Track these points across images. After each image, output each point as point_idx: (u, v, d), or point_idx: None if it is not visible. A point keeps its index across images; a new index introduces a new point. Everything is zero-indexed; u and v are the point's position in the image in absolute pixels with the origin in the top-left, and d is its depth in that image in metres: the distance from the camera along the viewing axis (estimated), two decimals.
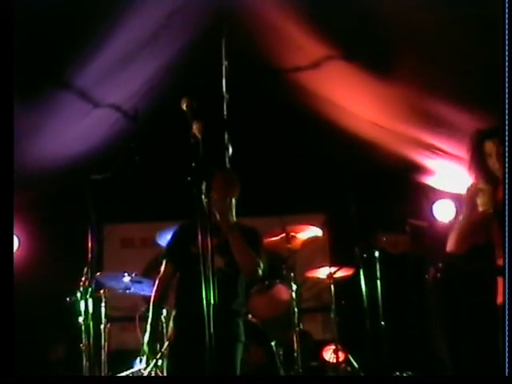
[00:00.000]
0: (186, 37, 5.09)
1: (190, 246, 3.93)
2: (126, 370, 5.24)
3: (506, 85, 3.03)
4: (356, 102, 5.74)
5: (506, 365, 2.99)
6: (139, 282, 5.47)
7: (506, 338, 3.02)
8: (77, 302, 5.64)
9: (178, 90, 3.40)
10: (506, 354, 3.00)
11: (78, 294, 5.61)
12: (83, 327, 5.35)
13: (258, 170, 6.86)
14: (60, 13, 4.24)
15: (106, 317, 5.48)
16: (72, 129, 5.82)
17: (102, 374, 5.13)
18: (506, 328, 3.02)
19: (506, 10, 2.94)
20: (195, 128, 3.13)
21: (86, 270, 5.03)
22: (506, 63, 2.98)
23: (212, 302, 3.09)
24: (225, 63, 5.02)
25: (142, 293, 5.49)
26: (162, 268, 4.13)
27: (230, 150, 4.83)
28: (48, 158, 5.89)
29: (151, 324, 4.03)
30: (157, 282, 4.15)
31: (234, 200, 4.08)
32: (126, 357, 5.71)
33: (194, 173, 3.09)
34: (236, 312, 4.03)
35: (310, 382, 4.74)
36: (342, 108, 5.94)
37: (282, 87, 5.79)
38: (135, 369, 5.19)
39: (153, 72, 5.43)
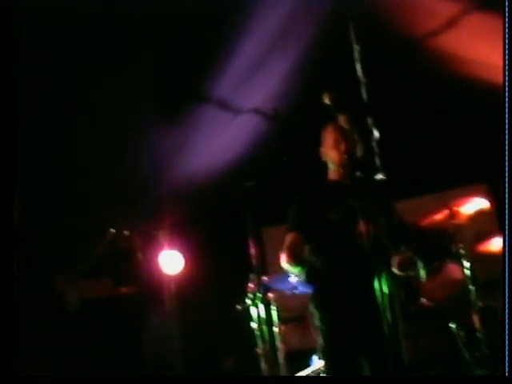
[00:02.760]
0: (312, 31, 5.05)
1: (329, 214, 3.69)
2: (303, 370, 5.25)
3: (506, 83, 2.99)
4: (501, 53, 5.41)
5: (506, 364, 2.91)
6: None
7: (506, 338, 2.92)
8: (248, 309, 5.75)
9: (314, 85, 3.35)
10: (506, 354, 2.91)
11: (248, 301, 5.71)
12: (258, 332, 5.43)
13: (409, 150, 6.66)
14: (190, 27, 4.34)
15: (278, 319, 5.51)
16: (217, 140, 5.94)
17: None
18: (506, 328, 2.93)
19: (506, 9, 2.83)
20: (341, 120, 3.08)
21: (252, 275, 5.09)
22: (506, 61, 2.91)
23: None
24: (356, 48, 4.90)
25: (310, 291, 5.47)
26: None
27: (376, 134, 4.69)
28: (198, 173, 6.03)
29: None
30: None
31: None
32: (302, 356, 5.72)
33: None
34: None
35: (310, 381, 4.56)
36: (489, 65, 5.63)
37: (419, 56, 5.59)
38: (313, 367, 5.18)
39: (286, 71, 5.43)
